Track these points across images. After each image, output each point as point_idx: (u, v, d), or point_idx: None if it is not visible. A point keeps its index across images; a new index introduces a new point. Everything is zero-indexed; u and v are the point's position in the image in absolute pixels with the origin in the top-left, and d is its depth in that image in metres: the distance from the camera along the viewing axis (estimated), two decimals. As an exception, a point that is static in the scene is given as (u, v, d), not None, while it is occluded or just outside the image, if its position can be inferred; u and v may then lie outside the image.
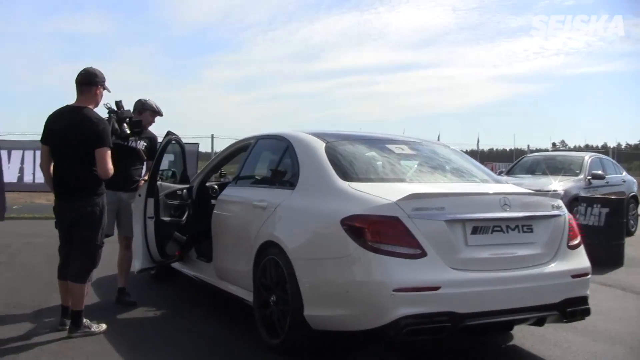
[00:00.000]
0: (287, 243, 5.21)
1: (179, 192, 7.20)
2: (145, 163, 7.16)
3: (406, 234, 4.56)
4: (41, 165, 5.91)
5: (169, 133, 6.98)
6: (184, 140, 7.33)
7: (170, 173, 7.46)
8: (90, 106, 5.76)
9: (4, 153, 16.68)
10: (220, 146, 20.08)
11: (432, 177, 5.78)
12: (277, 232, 5.41)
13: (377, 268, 4.52)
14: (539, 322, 5.17)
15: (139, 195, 6.78)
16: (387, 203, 4.67)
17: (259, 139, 6.80)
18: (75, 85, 5.78)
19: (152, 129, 7.26)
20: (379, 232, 4.59)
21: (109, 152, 5.63)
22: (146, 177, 6.89)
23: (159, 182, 6.88)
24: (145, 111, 7.09)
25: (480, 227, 4.81)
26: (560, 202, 5.34)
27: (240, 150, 7.24)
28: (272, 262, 5.37)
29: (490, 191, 5.20)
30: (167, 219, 6.98)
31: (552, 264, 5.03)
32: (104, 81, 5.86)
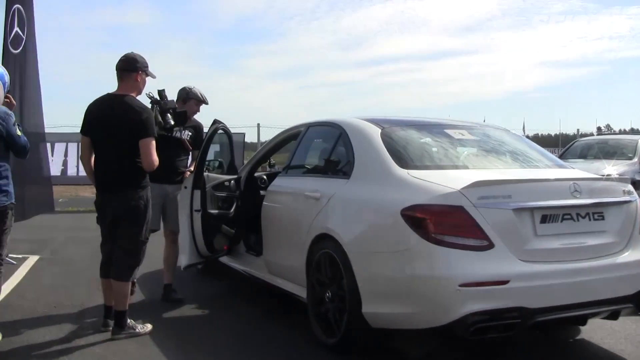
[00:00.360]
0: (343, 236, 4.98)
1: (226, 184, 7.00)
2: (190, 153, 6.95)
3: (472, 224, 4.32)
4: (81, 158, 5.71)
5: (215, 121, 6.77)
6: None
7: (217, 163, 7.34)
8: (132, 94, 5.50)
9: (48, 146, 16.73)
10: (266, 136, 20.22)
11: (494, 164, 5.52)
12: (331, 224, 5.18)
13: (441, 261, 4.28)
14: (613, 316, 4.86)
15: (185, 188, 6.57)
16: (451, 191, 4.41)
17: (310, 126, 6.57)
18: (115, 72, 5.53)
19: (197, 118, 7.05)
20: (443, 222, 4.35)
21: (154, 143, 5.39)
22: (192, 168, 6.72)
23: (205, 173, 6.69)
24: (190, 100, 6.88)
25: (549, 216, 4.54)
26: (631, 187, 5.07)
27: (290, 138, 7.03)
28: (326, 256, 5.16)
29: (559, 177, 4.96)
30: (214, 211, 6.78)
31: (625, 253, 4.78)
32: (146, 67, 5.59)
